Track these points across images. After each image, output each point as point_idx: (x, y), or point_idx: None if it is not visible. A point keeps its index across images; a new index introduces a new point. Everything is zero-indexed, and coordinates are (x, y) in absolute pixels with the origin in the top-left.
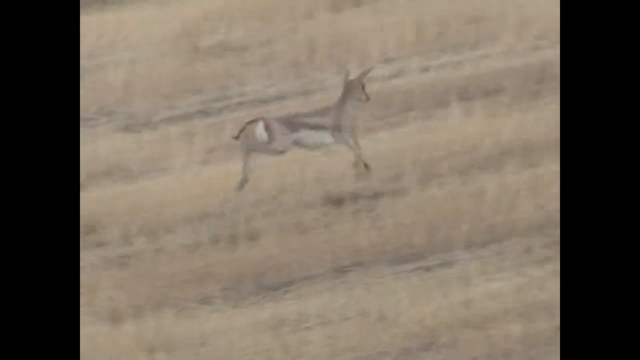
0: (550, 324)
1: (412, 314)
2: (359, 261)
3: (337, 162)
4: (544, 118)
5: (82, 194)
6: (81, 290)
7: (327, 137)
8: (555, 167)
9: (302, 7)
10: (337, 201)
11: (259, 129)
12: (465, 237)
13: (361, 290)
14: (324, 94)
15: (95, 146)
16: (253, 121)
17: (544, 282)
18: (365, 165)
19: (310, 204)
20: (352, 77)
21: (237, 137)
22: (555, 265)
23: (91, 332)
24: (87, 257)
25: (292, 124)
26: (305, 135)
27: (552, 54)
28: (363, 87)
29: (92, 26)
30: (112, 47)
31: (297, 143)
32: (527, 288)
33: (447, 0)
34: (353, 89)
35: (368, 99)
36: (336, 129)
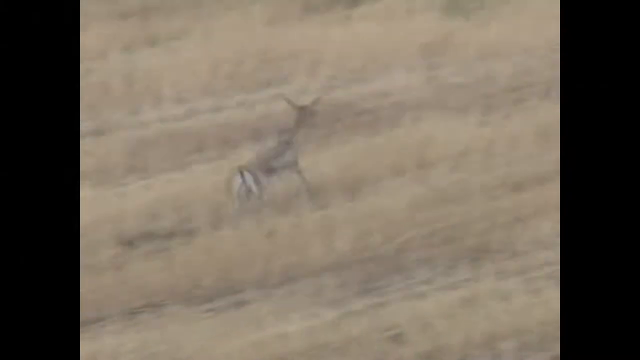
0: None
1: (204, 355)
2: (151, 302)
3: (129, 202)
4: (337, 158)
5: None
6: None
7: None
8: (348, 205)
9: (95, 47)
10: (129, 242)
11: (248, 183)
12: (258, 278)
13: (153, 331)
14: (118, 134)
15: None
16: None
17: (335, 323)
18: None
19: (103, 245)
20: (302, 104)
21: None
22: (349, 306)
23: None
24: None
25: (269, 169)
26: (279, 176)
27: (344, 93)
28: (315, 114)
29: None
30: None
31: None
32: (319, 329)
33: (241, 40)
34: (306, 117)
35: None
36: (295, 164)
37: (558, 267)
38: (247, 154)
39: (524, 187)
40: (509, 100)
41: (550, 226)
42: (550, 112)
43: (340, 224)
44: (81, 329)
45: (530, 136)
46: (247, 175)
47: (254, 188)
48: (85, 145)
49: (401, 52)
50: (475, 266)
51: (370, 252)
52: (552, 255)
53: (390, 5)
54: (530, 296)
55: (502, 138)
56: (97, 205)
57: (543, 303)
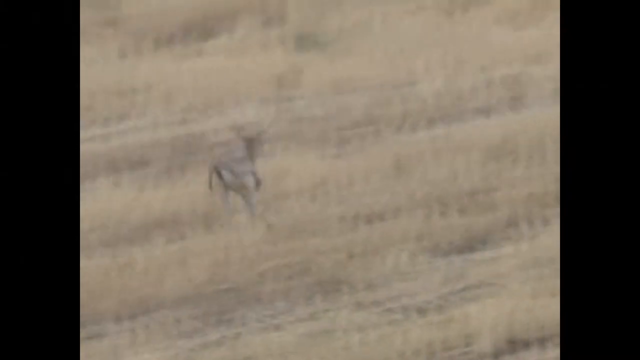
0: None
1: None
2: None
3: None
4: (192, 190)
5: None
6: None
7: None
8: (203, 236)
9: None
10: None
11: (226, 178)
12: (114, 309)
13: None
14: None
15: None
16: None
17: (192, 354)
18: None
19: None
20: (248, 134)
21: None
22: (206, 338)
23: None
24: None
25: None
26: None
27: (199, 126)
28: (263, 144)
29: None
30: None
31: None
32: None
33: (94, 73)
34: (254, 146)
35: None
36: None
37: (415, 300)
38: (105, 187)
39: (380, 219)
40: (364, 132)
41: (406, 257)
42: (405, 145)
43: (196, 255)
44: None
45: (385, 168)
46: (225, 173)
47: (231, 180)
48: None
49: (255, 85)
50: (332, 297)
51: (226, 283)
52: (409, 286)
53: (244, 38)
54: (387, 327)
55: (358, 170)
56: None
57: (400, 334)
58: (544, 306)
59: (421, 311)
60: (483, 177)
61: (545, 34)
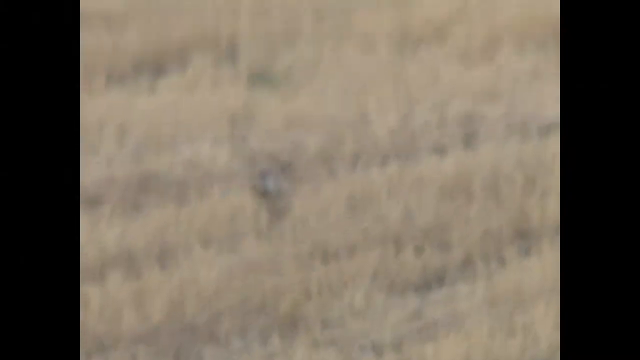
0: None
1: None
2: None
3: None
4: (147, 228)
5: None
6: None
7: None
8: (159, 275)
9: None
10: None
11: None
12: None
13: None
14: None
15: None
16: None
17: None
18: None
19: None
20: (285, 159)
21: None
22: None
23: None
24: None
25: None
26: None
27: (152, 163)
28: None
29: None
30: None
31: None
32: None
33: None
34: (290, 170)
35: None
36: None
37: (372, 339)
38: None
39: (335, 258)
40: (319, 170)
41: (362, 296)
42: (359, 183)
43: (152, 293)
44: None
45: (340, 206)
46: (269, 179)
47: (273, 189)
48: None
49: (208, 123)
50: (289, 336)
51: (183, 321)
52: (365, 325)
53: (196, 76)
54: None
55: (313, 208)
56: None
57: None
58: (500, 345)
59: (378, 350)
60: (438, 216)
61: (497, 71)
